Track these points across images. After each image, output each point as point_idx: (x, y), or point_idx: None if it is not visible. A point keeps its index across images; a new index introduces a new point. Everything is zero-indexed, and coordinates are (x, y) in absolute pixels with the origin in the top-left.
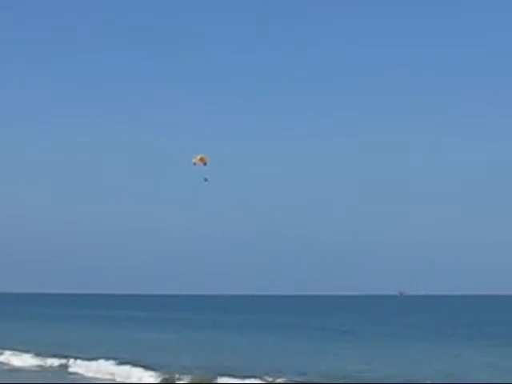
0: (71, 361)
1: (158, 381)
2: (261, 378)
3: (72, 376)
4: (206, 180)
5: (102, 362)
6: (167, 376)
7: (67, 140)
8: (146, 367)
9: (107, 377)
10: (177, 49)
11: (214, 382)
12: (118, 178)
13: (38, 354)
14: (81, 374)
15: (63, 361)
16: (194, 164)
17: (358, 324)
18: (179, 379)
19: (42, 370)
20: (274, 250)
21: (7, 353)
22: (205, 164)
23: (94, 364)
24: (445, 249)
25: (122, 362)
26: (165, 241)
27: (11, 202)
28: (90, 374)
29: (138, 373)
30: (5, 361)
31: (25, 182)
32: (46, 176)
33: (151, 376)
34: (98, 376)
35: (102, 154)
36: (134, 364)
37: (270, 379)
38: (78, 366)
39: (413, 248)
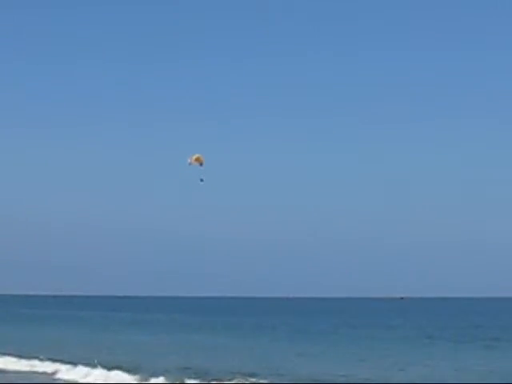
0: (46, 363)
1: (129, 381)
2: (236, 379)
3: (43, 376)
4: (201, 180)
5: (80, 364)
6: (139, 377)
7: (66, 143)
8: (122, 369)
9: (76, 377)
10: (175, 55)
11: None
12: (115, 179)
13: (17, 356)
14: (51, 376)
15: (38, 363)
16: (190, 164)
17: (350, 327)
18: (147, 380)
19: (18, 372)
20: (271, 253)
21: None
22: (201, 164)
23: (68, 366)
24: (444, 251)
25: (100, 365)
26: (163, 243)
27: (7, 203)
28: (61, 376)
29: (108, 374)
30: None
31: (22, 184)
32: (43, 177)
33: (122, 377)
34: (72, 377)
35: (100, 157)
36: (110, 366)
37: (253, 379)
38: (52, 368)
39: (412, 251)
